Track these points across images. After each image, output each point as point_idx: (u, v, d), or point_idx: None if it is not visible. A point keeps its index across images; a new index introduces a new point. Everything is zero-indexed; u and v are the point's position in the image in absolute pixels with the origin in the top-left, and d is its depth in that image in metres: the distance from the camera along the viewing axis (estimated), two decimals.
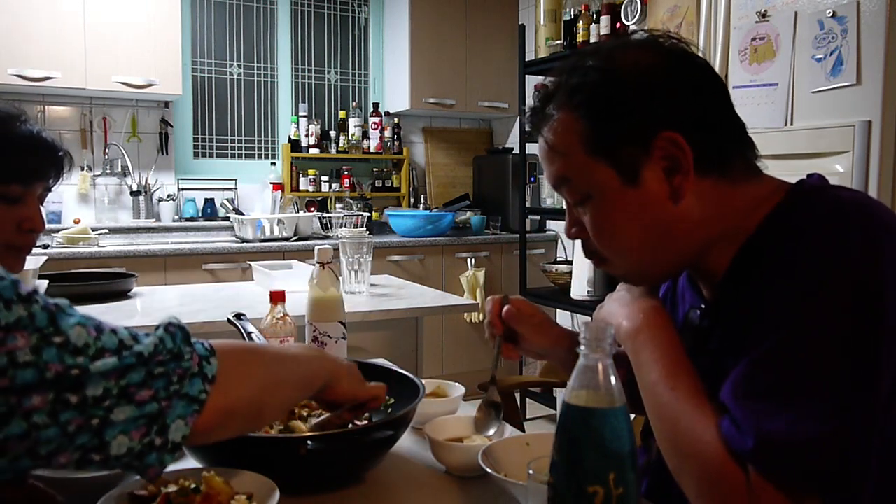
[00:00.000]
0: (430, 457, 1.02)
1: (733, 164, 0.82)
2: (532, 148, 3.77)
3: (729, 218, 0.82)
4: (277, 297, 1.43)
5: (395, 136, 4.54)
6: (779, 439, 0.68)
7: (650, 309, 0.86)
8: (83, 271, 2.54)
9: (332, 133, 4.41)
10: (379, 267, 3.51)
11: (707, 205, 0.81)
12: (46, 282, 2.06)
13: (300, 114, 4.31)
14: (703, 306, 0.90)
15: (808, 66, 2.01)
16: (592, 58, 0.82)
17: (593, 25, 3.34)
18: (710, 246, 0.83)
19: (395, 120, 4.55)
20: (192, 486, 0.81)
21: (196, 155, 4.21)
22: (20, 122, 1.12)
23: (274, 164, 4.35)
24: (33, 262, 2.07)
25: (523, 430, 1.25)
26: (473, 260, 4.07)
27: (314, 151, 4.31)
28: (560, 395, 1.06)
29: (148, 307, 2.09)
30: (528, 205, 3.90)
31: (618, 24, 3.21)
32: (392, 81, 4.54)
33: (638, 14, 3.06)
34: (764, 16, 2.13)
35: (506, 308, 1.05)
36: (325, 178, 4.36)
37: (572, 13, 3.52)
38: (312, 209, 4.29)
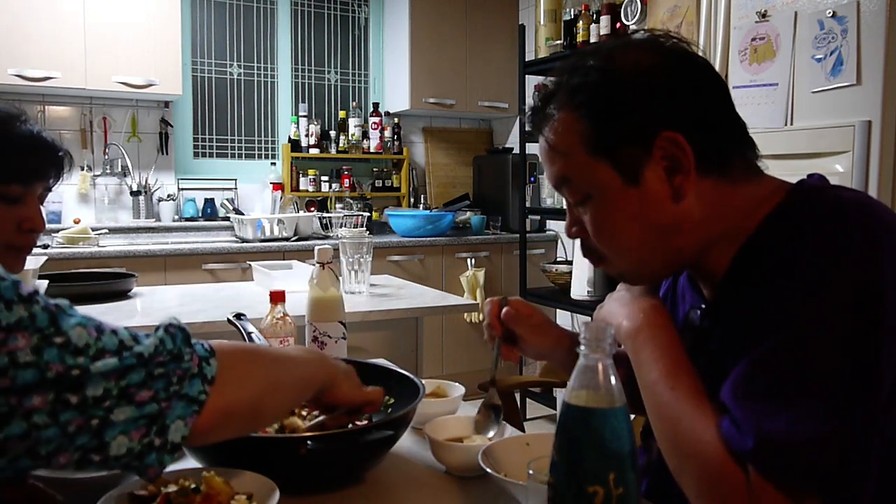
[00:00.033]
0: (430, 457, 1.02)
1: (734, 164, 0.82)
2: (532, 148, 3.77)
3: (729, 218, 0.82)
4: (277, 297, 1.43)
5: (395, 136, 4.54)
6: (779, 439, 0.68)
7: (650, 308, 0.86)
8: (83, 271, 2.54)
9: (332, 133, 4.41)
10: (379, 267, 3.51)
11: (707, 205, 0.81)
12: (46, 282, 2.06)
13: (300, 114, 4.31)
14: (703, 306, 0.90)
15: (808, 66, 2.01)
16: (593, 58, 0.82)
17: (593, 25, 3.34)
18: (710, 246, 0.83)
19: (395, 120, 4.55)
20: (192, 486, 0.81)
21: (196, 155, 4.21)
22: (20, 122, 1.12)
23: (274, 164, 4.35)
24: (33, 262, 2.07)
25: (523, 430, 1.25)
26: (473, 260, 4.07)
27: (314, 151, 4.31)
28: (560, 395, 1.06)
29: (148, 307, 2.09)
30: (528, 205, 3.90)
31: (618, 24, 3.21)
32: (392, 81, 4.54)
33: (638, 14, 3.06)
34: (764, 16, 2.13)
35: (504, 310, 1.05)
36: (325, 178, 4.36)
37: (572, 13, 3.52)
38: (312, 209, 4.29)
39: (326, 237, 3.98)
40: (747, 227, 0.81)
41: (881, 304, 0.69)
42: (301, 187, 4.31)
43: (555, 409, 3.83)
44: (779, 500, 0.68)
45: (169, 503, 0.80)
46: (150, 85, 3.64)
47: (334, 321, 1.39)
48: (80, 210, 3.87)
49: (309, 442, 0.87)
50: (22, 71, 3.37)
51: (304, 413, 1.07)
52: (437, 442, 0.99)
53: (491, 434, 1.04)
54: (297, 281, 1.92)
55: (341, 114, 4.47)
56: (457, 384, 1.25)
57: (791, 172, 0.89)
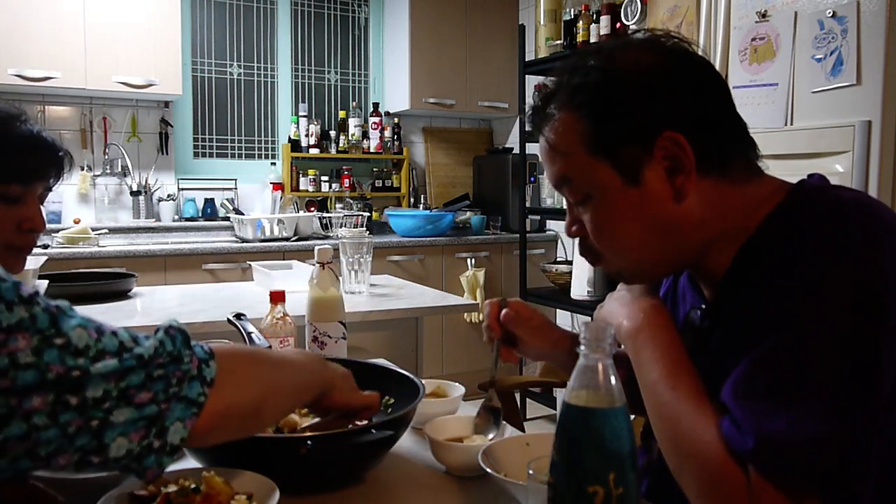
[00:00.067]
0: (430, 457, 1.02)
1: (735, 165, 0.82)
2: (532, 148, 3.77)
3: (730, 218, 0.82)
4: (277, 297, 1.43)
5: (395, 136, 4.54)
6: (779, 439, 0.68)
7: (651, 308, 0.86)
8: (83, 271, 2.54)
9: (332, 133, 4.41)
10: (379, 267, 3.51)
11: (708, 205, 0.81)
12: (46, 282, 2.06)
13: (300, 114, 4.31)
14: (703, 306, 0.90)
15: (808, 66, 2.01)
16: (594, 57, 0.82)
17: (593, 25, 3.34)
18: (710, 246, 0.83)
19: (395, 120, 4.55)
20: (192, 486, 0.81)
21: (196, 155, 4.21)
22: (20, 122, 1.12)
23: (274, 164, 4.35)
24: (33, 262, 2.07)
25: (523, 430, 1.25)
26: (473, 260, 4.07)
27: (314, 151, 4.31)
28: (560, 395, 1.06)
29: (148, 307, 2.09)
30: (528, 205, 3.90)
31: (618, 24, 3.21)
32: (392, 81, 4.54)
33: (638, 14, 3.06)
34: (764, 16, 2.13)
35: (504, 311, 1.05)
36: (325, 178, 4.36)
37: (572, 13, 3.52)
38: (312, 209, 4.29)
39: (326, 237, 3.98)
40: (748, 227, 0.81)
41: (881, 303, 0.69)
42: (301, 187, 4.31)
43: (555, 409, 3.82)
44: (779, 500, 0.68)
45: (169, 503, 0.80)
46: (150, 85, 3.64)
47: (334, 321, 1.39)
48: (80, 210, 3.87)
49: (309, 442, 0.87)
50: (22, 71, 3.37)
51: (303, 412, 1.07)
52: (437, 442, 0.99)
53: (490, 437, 1.04)
54: (297, 281, 1.92)
55: (341, 114, 4.47)
56: (457, 384, 1.25)
57: (791, 172, 0.89)
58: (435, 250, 4.05)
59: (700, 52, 0.84)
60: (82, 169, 3.83)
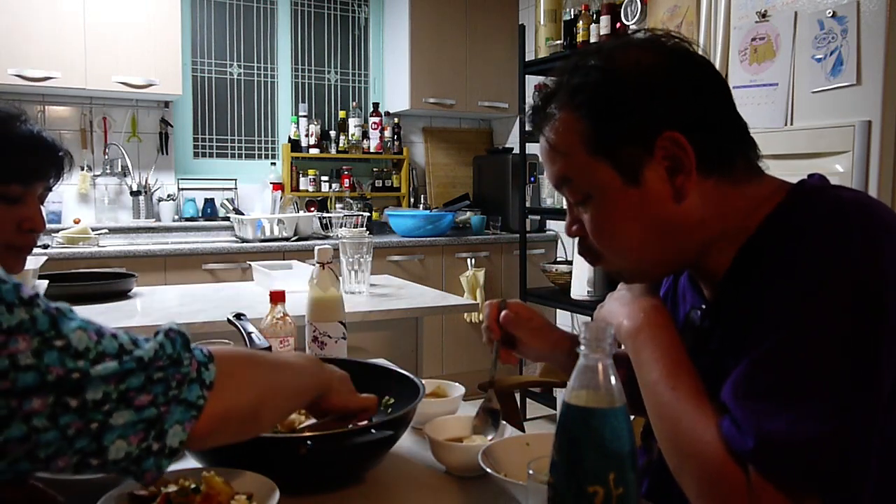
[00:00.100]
0: (430, 457, 1.02)
1: (735, 165, 0.82)
2: (532, 148, 3.77)
3: (730, 218, 0.82)
4: (277, 297, 1.43)
5: (395, 136, 4.54)
6: (779, 439, 0.68)
7: (651, 308, 0.86)
8: (83, 271, 2.54)
9: (332, 133, 4.41)
10: (379, 267, 3.51)
11: (708, 205, 0.81)
12: (46, 282, 2.06)
13: (300, 114, 4.31)
14: (703, 306, 0.90)
15: (808, 66, 2.01)
16: (594, 57, 0.82)
17: (593, 25, 3.34)
18: (710, 246, 0.83)
19: (395, 120, 4.55)
20: (192, 486, 0.81)
21: (196, 155, 4.21)
22: (20, 122, 1.12)
23: (274, 164, 4.35)
24: (33, 262, 2.07)
25: (523, 430, 1.25)
26: (473, 260, 4.07)
27: (314, 151, 4.31)
28: (560, 395, 1.06)
29: (148, 307, 2.09)
30: (528, 205, 3.90)
31: (618, 24, 3.21)
32: (392, 81, 4.54)
33: (638, 14, 3.06)
34: (764, 16, 2.13)
35: (503, 313, 1.05)
36: (325, 178, 4.36)
37: (572, 13, 3.52)
38: (312, 209, 4.29)
39: (326, 237, 3.98)
40: (748, 227, 0.81)
41: (881, 304, 0.69)
42: (301, 187, 4.31)
43: (555, 409, 3.82)
44: (779, 500, 0.68)
45: (169, 503, 0.80)
46: (150, 85, 3.64)
47: (334, 321, 1.39)
48: (80, 210, 3.87)
49: (309, 442, 0.87)
50: (22, 71, 3.37)
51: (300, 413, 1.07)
52: (437, 442, 0.99)
53: (489, 437, 1.04)
54: (297, 281, 1.92)
55: (341, 114, 4.47)
56: (457, 384, 1.25)
57: (791, 172, 0.89)
58: (435, 250, 4.05)
59: (700, 52, 0.84)
60: (82, 169, 3.83)
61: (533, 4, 4.21)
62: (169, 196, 4.01)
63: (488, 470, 0.87)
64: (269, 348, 1.33)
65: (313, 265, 1.44)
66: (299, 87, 4.47)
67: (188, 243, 3.71)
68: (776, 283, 0.74)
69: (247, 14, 4.29)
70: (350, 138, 4.40)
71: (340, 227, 3.81)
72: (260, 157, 4.37)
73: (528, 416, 3.88)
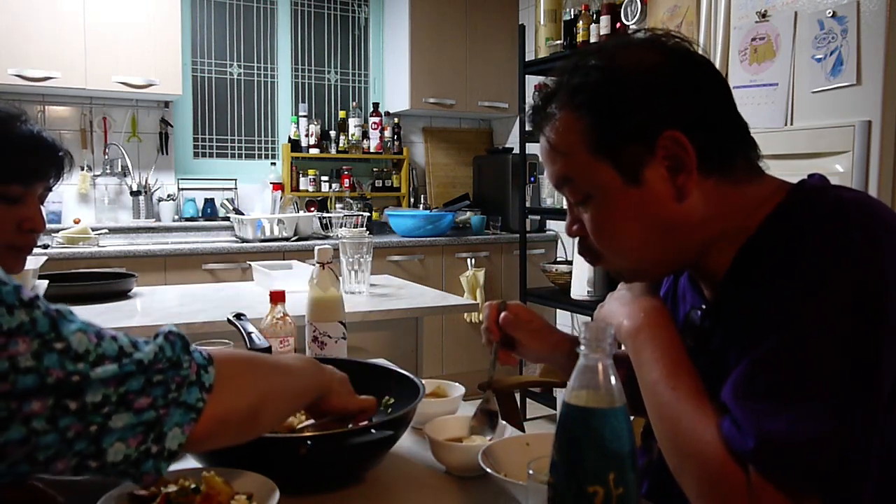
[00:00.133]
0: (430, 457, 1.02)
1: (736, 164, 0.82)
2: (532, 148, 3.77)
3: (730, 218, 0.82)
4: (277, 297, 1.43)
5: (395, 136, 4.54)
6: (779, 439, 0.68)
7: (651, 308, 0.86)
8: (83, 271, 2.54)
9: (332, 133, 4.41)
10: (379, 267, 3.51)
11: (709, 205, 0.81)
12: (46, 282, 2.06)
13: (300, 114, 4.31)
14: (703, 306, 0.90)
15: (808, 66, 2.01)
16: (594, 57, 0.82)
17: (593, 25, 3.34)
18: (710, 246, 0.83)
19: (395, 120, 4.55)
20: (192, 486, 0.81)
21: (196, 155, 4.21)
22: (20, 122, 1.12)
23: (274, 164, 4.35)
24: (33, 262, 2.07)
25: (523, 430, 1.25)
26: (473, 260, 4.07)
27: (314, 151, 4.31)
28: (560, 395, 1.06)
29: (148, 307, 2.09)
30: (528, 205, 3.90)
31: (618, 24, 3.21)
32: (392, 81, 4.54)
33: (638, 14, 3.06)
34: (764, 16, 2.13)
35: (503, 315, 1.05)
36: (325, 178, 4.36)
37: (572, 13, 3.52)
38: (312, 209, 4.29)
39: (326, 237, 3.98)
40: (748, 227, 0.81)
41: (881, 304, 0.69)
42: (301, 187, 4.31)
43: (555, 409, 3.82)
44: (779, 500, 0.68)
45: (169, 503, 0.80)
46: (150, 85, 3.64)
47: (334, 321, 1.39)
48: (80, 210, 3.87)
49: (309, 442, 0.87)
50: (22, 71, 3.37)
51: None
52: (437, 442, 0.99)
53: (487, 439, 1.04)
54: (297, 281, 1.92)
55: (341, 114, 4.47)
56: (457, 384, 1.25)
57: (791, 172, 0.88)
58: (435, 250, 4.05)
59: (700, 52, 0.84)
60: (82, 169, 3.83)
61: (533, 4, 4.21)
62: (169, 196, 4.01)
63: (488, 470, 0.87)
64: (269, 348, 1.33)
65: (313, 265, 1.44)
66: (299, 87, 4.47)
67: (188, 243, 3.71)
68: (776, 283, 0.74)
69: (247, 14, 4.29)
70: (350, 138, 4.40)
71: (340, 227, 3.81)
72: (260, 157, 4.37)
73: (528, 416, 3.88)
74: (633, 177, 0.80)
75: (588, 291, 3.23)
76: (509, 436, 1.03)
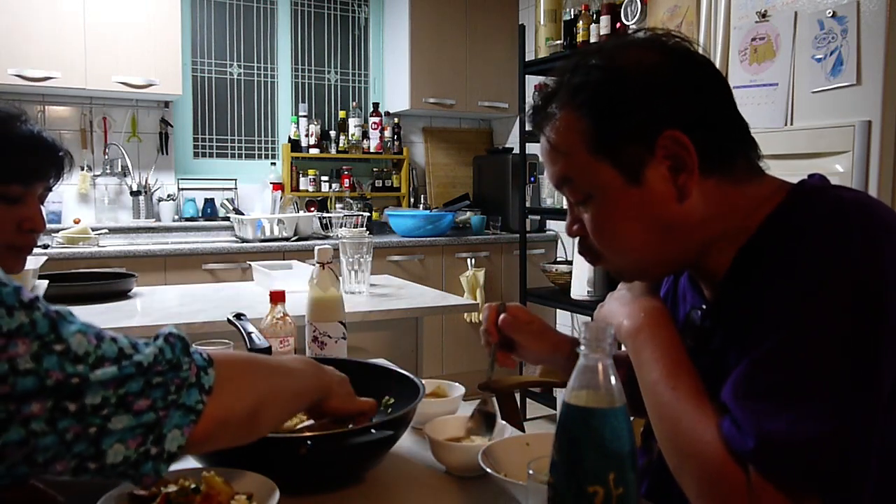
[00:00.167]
0: (430, 457, 1.02)
1: (736, 164, 0.82)
2: (532, 148, 3.77)
3: (731, 218, 0.82)
4: (277, 297, 1.43)
5: (395, 136, 4.54)
6: (779, 439, 0.68)
7: (651, 308, 0.86)
8: (83, 271, 2.54)
9: (332, 133, 4.41)
10: (379, 267, 3.51)
11: (710, 204, 0.81)
12: (46, 282, 2.06)
13: (300, 114, 4.31)
14: (704, 306, 0.90)
15: (808, 66, 2.01)
16: (595, 56, 0.82)
17: (593, 25, 3.34)
18: (710, 246, 0.83)
19: (395, 120, 4.55)
20: (192, 486, 0.81)
21: (196, 155, 4.21)
22: (20, 122, 1.12)
23: (274, 164, 4.35)
24: (33, 262, 2.07)
25: (523, 430, 1.25)
26: (473, 260, 4.07)
27: (314, 151, 4.31)
28: (560, 395, 1.06)
29: (148, 307, 2.09)
30: (528, 205, 3.90)
31: (618, 24, 3.21)
32: (392, 81, 4.54)
33: (638, 14, 3.06)
34: (764, 16, 2.13)
35: (502, 316, 1.05)
36: (325, 178, 4.36)
37: (572, 13, 3.52)
38: (312, 209, 4.29)
39: (326, 237, 3.98)
40: (748, 227, 0.81)
41: (881, 304, 0.69)
42: (301, 187, 4.31)
43: (555, 409, 3.82)
44: (779, 500, 0.68)
45: (169, 503, 0.80)
46: (150, 85, 3.64)
47: (334, 321, 1.39)
48: (80, 210, 3.87)
49: (309, 442, 0.87)
50: (22, 71, 3.37)
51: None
52: (437, 442, 0.99)
53: (484, 440, 1.03)
54: (297, 281, 1.92)
55: (341, 114, 4.47)
56: (457, 384, 1.25)
57: (791, 172, 0.88)
58: (435, 250, 4.05)
59: (701, 52, 0.84)
60: (82, 169, 3.83)
61: (533, 4, 4.21)
62: (169, 196, 4.01)
63: (488, 470, 0.86)
64: (269, 348, 1.33)
65: (313, 265, 1.44)
66: (299, 87, 4.47)
67: (188, 243, 3.71)
68: (776, 283, 0.74)
69: (247, 14, 4.29)
70: (350, 138, 4.40)
71: (340, 227, 3.81)
72: (260, 157, 4.37)
73: (528, 416, 3.88)
74: (633, 176, 0.80)
75: (588, 291, 3.23)
76: (509, 436, 1.03)
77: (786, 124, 2.07)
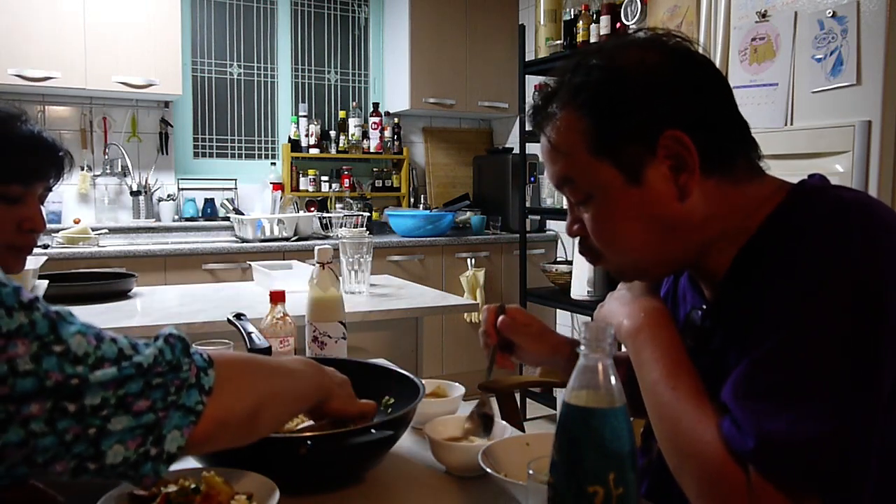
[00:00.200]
0: (430, 457, 1.02)
1: (736, 164, 0.82)
2: (532, 148, 3.77)
3: (731, 218, 0.82)
4: (277, 297, 1.43)
5: (395, 136, 4.54)
6: (779, 439, 0.68)
7: (651, 308, 0.86)
8: (83, 271, 2.54)
9: (332, 133, 4.41)
10: (379, 267, 3.51)
11: (711, 204, 0.81)
12: (46, 282, 2.06)
13: (300, 114, 4.31)
14: (704, 307, 0.90)
15: (808, 66, 2.01)
16: (595, 56, 0.82)
17: (593, 25, 3.34)
18: (710, 246, 0.83)
19: (395, 120, 4.55)
20: (192, 486, 0.81)
21: (196, 155, 4.21)
22: (20, 122, 1.12)
23: (274, 164, 4.35)
24: (33, 262, 2.07)
25: (523, 430, 1.25)
26: (473, 260, 4.07)
27: (314, 151, 4.31)
28: (560, 395, 1.06)
29: (148, 307, 2.09)
30: (528, 205, 3.90)
31: (618, 24, 3.21)
32: (392, 81, 4.54)
33: (638, 14, 3.06)
34: (764, 16, 2.13)
35: (501, 318, 1.05)
36: (325, 178, 4.36)
37: (572, 13, 3.52)
38: (312, 209, 4.29)
39: (326, 237, 3.98)
40: (748, 227, 0.81)
41: (881, 303, 0.69)
42: (301, 187, 4.31)
43: (555, 409, 3.82)
44: (779, 500, 0.68)
45: (169, 503, 0.80)
46: (150, 85, 3.64)
47: (334, 321, 1.39)
48: (80, 210, 3.87)
49: (309, 442, 0.87)
50: (22, 71, 3.37)
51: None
52: (437, 442, 0.99)
53: (483, 441, 1.03)
54: (297, 281, 1.92)
55: (341, 114, 4.47)
56: (457, 384, 1.25)
57: (791, 172, 0.88)
58: (435, 250, 4.05)
59: (701, 52, 0.84)
60: (82, 169, 3.83)
61: (533, 4, 4.21)
62: (169, 196, 4.01)
63: (488, 470, 0.86)
64: (269, 348, 1.33)
65: (313, 265, 1.44)
66: (299, 87, 4.47)
67: (188, 243, 3.71)
68: (776, 283, 0.74)
69: (247, 14, 4.29)
70: (350, 138, 4.40)
71: (340, 227, 3.81)
72: (260, 157, 4.37)
73: (528, 416, 3.88)
74: (634, 176, 0.80)
75: (588, 291, 3.23)
76: (509, 436, 1.03)
77: (786, 124, 2.07)
